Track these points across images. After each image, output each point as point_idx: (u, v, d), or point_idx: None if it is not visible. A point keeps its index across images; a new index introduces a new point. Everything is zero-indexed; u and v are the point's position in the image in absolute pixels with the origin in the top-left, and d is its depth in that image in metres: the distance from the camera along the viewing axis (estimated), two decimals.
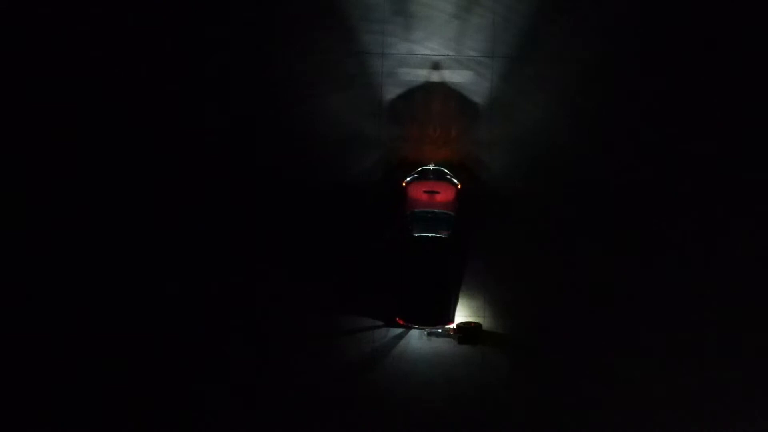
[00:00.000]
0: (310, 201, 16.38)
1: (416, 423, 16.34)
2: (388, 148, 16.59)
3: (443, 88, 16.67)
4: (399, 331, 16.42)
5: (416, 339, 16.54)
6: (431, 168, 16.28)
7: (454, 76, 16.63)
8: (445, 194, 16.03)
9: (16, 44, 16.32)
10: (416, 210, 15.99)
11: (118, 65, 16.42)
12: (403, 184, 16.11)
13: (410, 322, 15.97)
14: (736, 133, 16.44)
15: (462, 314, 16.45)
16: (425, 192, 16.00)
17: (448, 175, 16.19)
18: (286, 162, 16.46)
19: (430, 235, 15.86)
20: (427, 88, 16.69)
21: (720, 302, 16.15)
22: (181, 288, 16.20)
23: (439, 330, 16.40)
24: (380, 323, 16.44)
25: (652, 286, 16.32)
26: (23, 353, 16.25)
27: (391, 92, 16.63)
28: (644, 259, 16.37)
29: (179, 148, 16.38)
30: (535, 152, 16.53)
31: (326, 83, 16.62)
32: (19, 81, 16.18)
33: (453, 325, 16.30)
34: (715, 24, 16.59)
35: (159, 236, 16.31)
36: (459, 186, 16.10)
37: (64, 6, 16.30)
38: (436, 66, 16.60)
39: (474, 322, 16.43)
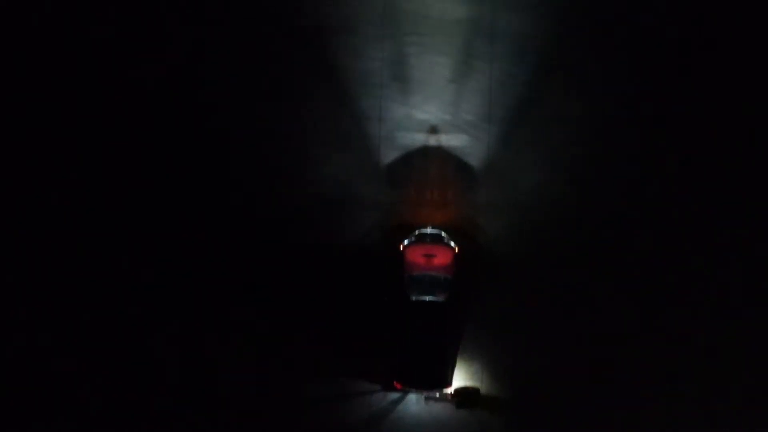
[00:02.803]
0: (307, 263, 16.39)
1: None
2: (385, 210, 16.63)
3: (440, 151, 16.75)
4: (397, 395, 16.32)
5: (414, 403, 16.43)
6: (429, 231, 16.29)
7: (451, 140, 16.72)
8: (442, 257, 16.03)
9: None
10: (414, 273, 15.99)
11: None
12: (401, 247, 16.10)
13: (408, 386, 15.88)
14: (738, 192, 16.45)
15: (460, 378, 16.35)
16: (423, 255, 15.99)
17: (446, 238, 16.19)
18: (283, 223, 16.51)
19: (427, 298, 15.83)
20: (425, 151, 16.78)
21: (727, 359, 15.99)
22: (179, 348, 16.13)
23: (437, 394, 16.28)
24: (378, 387, 16.33)
25: (654, 349, 16.21)
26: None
27: (388, 155, 16.71)
28: (644, 323, 16.30)
29: (177, 209, 16.40)
30: (533, 215, 16.53)
31: (324, 146, 16.72)
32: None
33: (451, 390, 16.18)
34: (713, 83, 16.69)
35: (157, 297, 16.28)
36: (456, 249, 16.10)
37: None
38: (433, 130, 16.69)
39: (472, 387, 16.31)
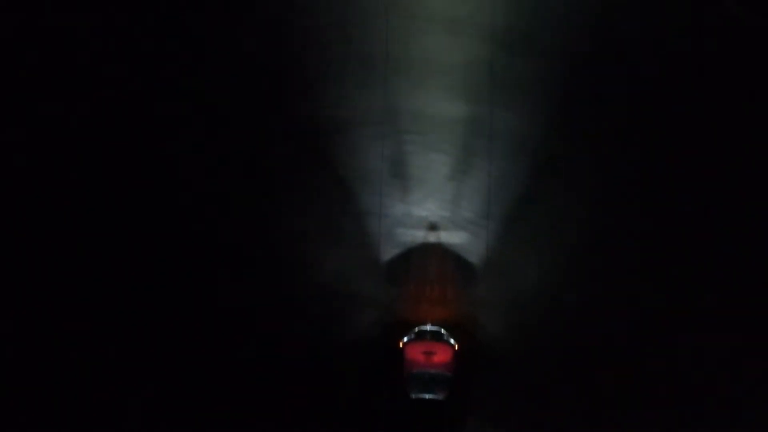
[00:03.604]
0: (306, 359, 16.46)
1: None
2: (385, 307, 16.72)
3: (440, 248, 16.87)
4: None
5: None
6: (428, 328, 16.37)
7: (450, 237, 16.85)
8: (442, 355, 16.11)
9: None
10: (413, 371, 16.05)
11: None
12: (401, 344, 16.17)
13: None
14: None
15: None
16: (422, 353, 16.06)
17: (446, 335, 16.27)
18: (283, 319, 16.63)
19: (427, 396, 15.87)
20: (424, 248, 16.89)
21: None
22: None
23: None
24: None
25: None
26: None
27: (388, 252, 16.83)
28: (648, 415, 16.28)
29: (172, 307, 16.53)
30: (533, 312, 16.61)
31: (325, 243, 16.84)
32: None
33: None
34: (715, 177, 16.82)
35: None
36: (456, 346, 16.16)
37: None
38: (432, 227, 16.82)
39: None
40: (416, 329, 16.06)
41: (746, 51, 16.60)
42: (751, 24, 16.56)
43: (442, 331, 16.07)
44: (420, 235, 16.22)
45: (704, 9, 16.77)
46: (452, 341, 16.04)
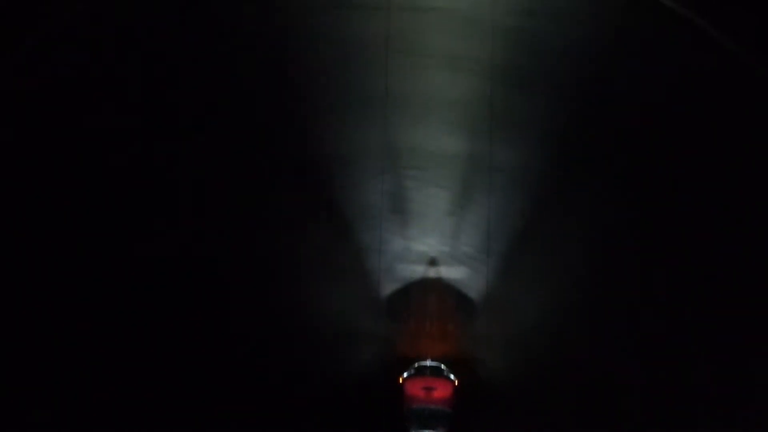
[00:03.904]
0: (306, 395, 16.40)
1: None
2: (385, 343, 16.70)
3: (440, 283, 16.88)
4: None
5: None
6: (428, 364, 16.35)
7: (450, 272, 16.88)
8: (442, 390, 16.09)
9: None
10: (413, 406, 16.02)
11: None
12: (400, 380, 16.14)
13: None
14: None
15: None
16: (422, 388, 16.04)
17: (445, 371, 16.24)
18: (283, 355, 16.57)
19: None
20: (424, 283, 16.91)
21: None
22: None
23: None
24: None
25: None
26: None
27: (388, 287, 16.86)
28: None
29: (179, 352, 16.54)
30: (532, 347, 16.59)
31: (325, 278, 16.85)
32: None
33: None
34: (715, 210, 16.84)
35: None
36: (456, 382, 16.12)
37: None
38: (432, 262, 16.86)
39: None
40: (416, 365, 16.06)
41: (744, 97, 16.72)
42: (749, 69, 16.71)
43: (442, 366, 16.07)
44: (420, 270, 16.26)
45: (701, 49, 16.91)
46: (452, 377, 16.01)
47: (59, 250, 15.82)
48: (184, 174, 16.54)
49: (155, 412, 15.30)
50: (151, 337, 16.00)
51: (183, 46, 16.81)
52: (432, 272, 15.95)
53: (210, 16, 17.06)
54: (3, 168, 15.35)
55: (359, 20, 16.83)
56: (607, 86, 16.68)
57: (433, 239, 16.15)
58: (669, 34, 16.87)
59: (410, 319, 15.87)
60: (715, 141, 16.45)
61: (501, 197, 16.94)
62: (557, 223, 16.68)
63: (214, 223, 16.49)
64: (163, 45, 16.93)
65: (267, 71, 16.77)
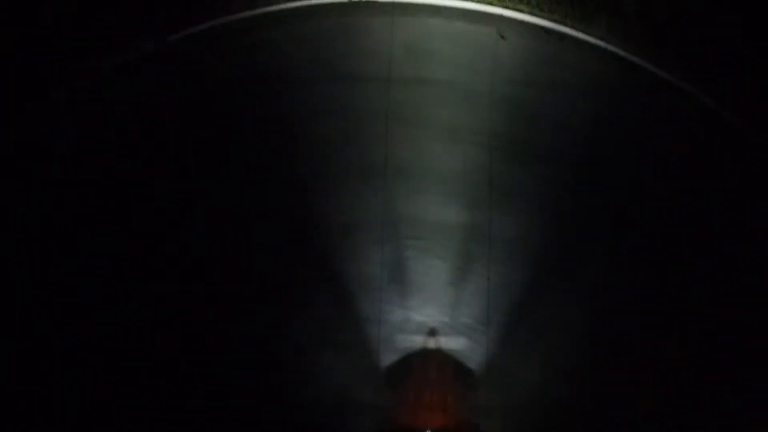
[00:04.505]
0: None
1: None
2: (384, 414, 16.51)
3: (439, 354, 16.78)
4: None
5: None
6: None
7: (450, 343, 16.79)
8: None
9: None
10: None
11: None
12: None
13: None
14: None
15: None
16: None
17: None
18: (281, 427, 16.36)
19: None
20: (424, 354, 16.80)
21: None
22: None
23: None
24: None
25: None
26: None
27: (387, 358, 16.74)
28: None
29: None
30: (533, 418, 16.43)
31: (323, 348, 16.75)
32: None
33: None
34: (722, 280, 16.89)
35: None
36: None
37: None
38: (432, 332, 16.79)
39: None
40: None
41: (741, 164, 16.97)
42: (745, 137, 16.99)
43: None
44: (419, 341, 16.18)
45: (699, 119, 17.20)
46: None
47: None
48: (182, 243, 16.57)
49: None
50: (149, 406, 15.83)
51: (184, 115, 17.04)
52: (431, 343, 15.88)
53: (212, 86, 17.35)
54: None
55: (360, 92, 17.10)
56: (606, 157, 16.89)
57: (432, 310, 16.14)
58: (666, 105, 17.19)
59: (409, 390, 15.70)
60: (714, 208, 16.59)
61: (500, 268, 17.01)
62: (557, 293, 16.74)
63: (211, 292, 16.46)
64: (167, 114, 17.14)
65: (267, 141, 16.99)
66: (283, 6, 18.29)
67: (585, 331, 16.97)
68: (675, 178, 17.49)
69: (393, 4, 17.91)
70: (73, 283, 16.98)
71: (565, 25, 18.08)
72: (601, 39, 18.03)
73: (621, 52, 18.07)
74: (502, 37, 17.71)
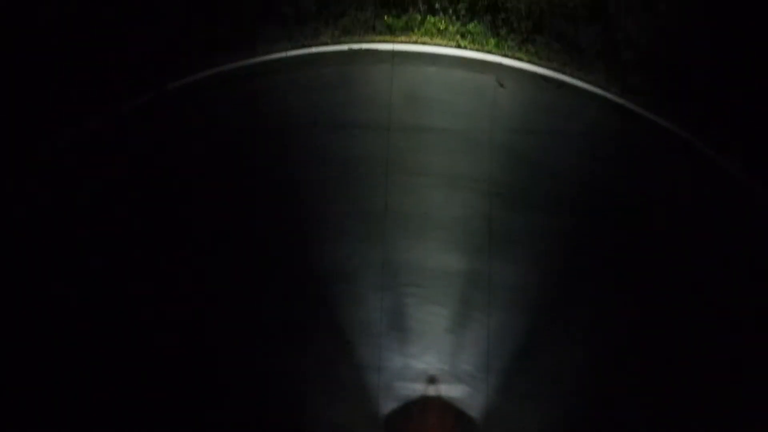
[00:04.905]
0: None
1: None
2: None
3: (439, 401, 16.70)
4: None
5: None
6: None
7: (450, 390, 16.73)
8: None
9: None
10: None
11: None
12: None
13: None
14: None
15: None
16: None
17: None
18: None
19: None
20: (424, 401, 16.72)
21: None
22: None
23: None
24: None
25: None
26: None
27: (387, 405, 16.66)
28: None
29: None
30: None
31: (323, 395, 16.67)
32: None
33: None
34: (722, 329, 16.84)
35: None
36: None
37: None
38: (432, 380, 16.73)
39: None
40: None
41: (741, 215, 17.02)
42: (745, 187, 17.05)
43: None
44: (419, 389, 16.12)
45: (698, 168, 17.28)
46: None
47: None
48: (182, 293, 16.58)
49: None
50: None
51: (184, 162, 17.11)
52: (431, 390, 15.82)
53: (212, 134, 17.45)
54: None
55: (360, 139, 17.21)
56: (605, 205, 16.93)
57: (432, 357, 16.12)
58: (665, 153, 17.27)
59: None
60: (712, 254, 16.59)
61: (500, 315, 16.98)
62: (557, 340, 16.70)
63: (211, 337, 16.43)
64: (166, 161, 17.19)
65: (268, 188, 17.04)
66: (283, 54, 18.45)
67: (585, 378, 16.89)
68: (673, 225, 17.54)
69: (393, 52, 18.06)
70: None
71: (564, 73, 18.21)
72: (600, 87, 18.16)
73: (619, 100, 18.19)
74: (501, 85, 17.83)
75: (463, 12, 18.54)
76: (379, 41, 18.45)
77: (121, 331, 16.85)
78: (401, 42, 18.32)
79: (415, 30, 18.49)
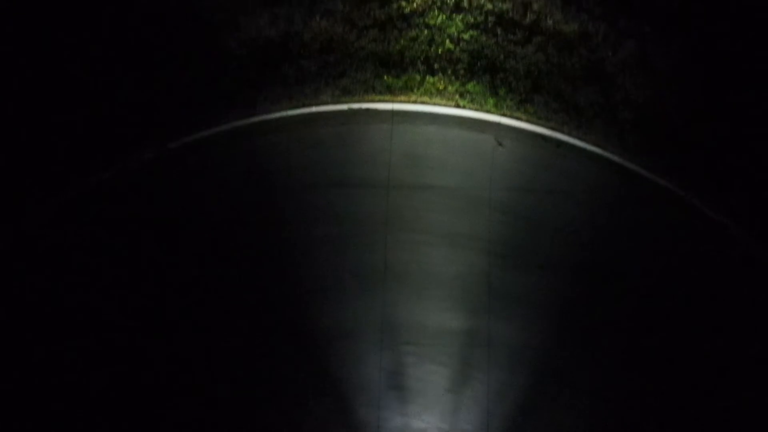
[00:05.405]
0: None
1: None
2: None
3: None
4: None
5: None
6: None
7: None
8: None
9: None
10: None
11: None
12: None
13: None
14: None
15: None
16: None
17: None
18: None
19: None
20: None
21: None
22: None
23: None
24: None
25: None
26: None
27: None
28: None
29: None
30: None
31: None
32: None
33: None
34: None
35: None
36: None
37: None
38: None
39: None
40: None
41: (742, 276, 17.04)
42: (746, 248, 17.11)
43: None
44: None
45: (697, 228, 17.36)
46: None
47: None
48: (181, 356, 16.56)
49: None
50: None
51: (184, 221, 17.19)
52: None
53: (212, 193, 17.55)
54: None
55: (360, 197, 17.31)
56: (603, 263, 16.97)
57: (432, 416, 16.01)
58: (663, 212, 17.35)
59: None
60: (713, 318, 16.59)
61: (500, 373, 16.92)
62: (556, 399, 16.61)
63: (211, 396, 16.35)
64: (167, 220, 17.28)
65: (268, 247, 17.09)
66: (283, 113, 18.64)
67: None
68: (673, 285, 17.54)
69: (392, 112, 18.24)
70: None
71: (563, 132, 18.37)
72: (598, 146, 18.30)
73: (617, 159, 18.32)
74: (500, 144, 17.98)
75: (461, 72, 18.75)
76: (379, 101, 18.64)
77: (123, 391, 16.72)
78: (401, 101, 18.51)
79: (415, 90, 18.69)
